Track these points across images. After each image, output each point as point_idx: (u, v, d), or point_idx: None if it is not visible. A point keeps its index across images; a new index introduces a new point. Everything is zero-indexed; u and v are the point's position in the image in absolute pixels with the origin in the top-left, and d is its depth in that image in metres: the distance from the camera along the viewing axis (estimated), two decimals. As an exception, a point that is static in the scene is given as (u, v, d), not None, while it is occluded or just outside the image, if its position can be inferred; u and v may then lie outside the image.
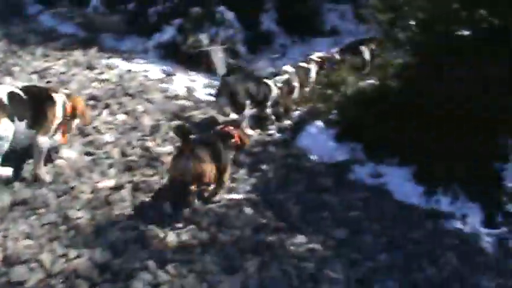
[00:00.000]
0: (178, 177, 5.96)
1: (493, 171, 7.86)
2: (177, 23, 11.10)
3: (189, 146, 5.87)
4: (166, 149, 7.41)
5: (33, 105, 5.88)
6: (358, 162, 8.13)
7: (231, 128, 6.86)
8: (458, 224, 7.37)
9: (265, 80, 8.98)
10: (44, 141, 6.07)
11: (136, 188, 6.48)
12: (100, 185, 6.39)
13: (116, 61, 9.81)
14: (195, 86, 9.63)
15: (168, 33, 11.06)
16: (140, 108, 8.26)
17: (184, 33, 10.79)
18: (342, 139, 8.55)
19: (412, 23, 8.25)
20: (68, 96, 6.58)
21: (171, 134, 7.74)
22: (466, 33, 7.58)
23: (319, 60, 10.44)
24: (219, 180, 6.37)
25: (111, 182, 6.48)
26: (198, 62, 10.55)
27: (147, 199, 6.28)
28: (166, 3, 11.64)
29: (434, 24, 7.99)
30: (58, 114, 6.19)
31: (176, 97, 9.00)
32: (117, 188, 6.41)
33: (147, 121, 7.93)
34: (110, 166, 6.76)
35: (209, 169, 5.98)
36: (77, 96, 7.03)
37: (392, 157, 8.16)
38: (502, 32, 7.35)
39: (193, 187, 6.01)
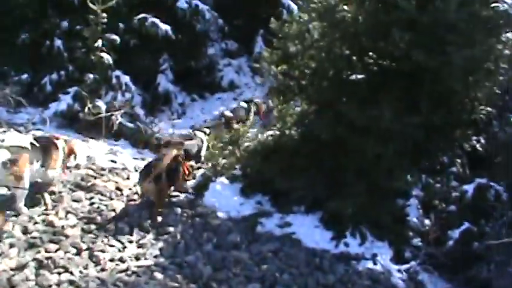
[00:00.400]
0: None
1: (396, 208, 8.07)
2: (73, 91, 10.95)
3: None
4: (70, 222, 7.20)
5: (43, 149, 7.47)
6: (266, 214, 8.18)
7: None
8: (369, 264, 7.54)
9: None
10: (51, 174, 7.63)
11: (40, 265, 6.24)
12: (0, 266, 6.11)
13: (13, 135, 9.53)
14: (95, 154, 9.48)
15: (64, 102, 10.91)
16: (40, 180, 8.03)
17: (81, 101, 10.65)
18: (247, 193, 8.59)
19: (306, 71, 8.48)
20: (66, 141, 8.07)
21: (74, 205, 7.59)
22: (360, 77, 7.84)
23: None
24: None
25: (12, 262, 6.22)
26: (97, 128, 10.42)
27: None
28: (61, 71, 11.51)
29: (326, 72, 8.24)
30: (60, 155, 7.78)
31: (77, 166, 8.80)
32: (20, 267, 6.14)
33: (48, 194, 7.70)
34: (11, 246, 6.49)
35: None
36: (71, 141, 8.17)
37: (299, 205, 8.26)
38: (392, 73, 7.67)
39: None
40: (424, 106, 7.55)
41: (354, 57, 7.93)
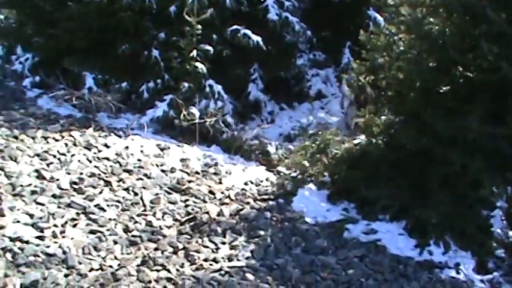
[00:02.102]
0: None
1: (481, 219, 8.14)
2: (169, 98, 11.47)
3: None
4: (167, 222, 7.71)
5: None
6: (352, 221, 8.42)
7: None
8: (452, 273, 7.65)
9: None
10: None
11: (141, 262, 6.74)
12: (107, 262, 6.65)
13: (113, 139, 10.06)
14: (189, 158, 9.96)
15: (160, 109, 11.40)
16: (139, 183, 8.57)
17: (177, 108, 11.14)
18: (334, 200, 8.88)
19: (393, 82, 8.66)
20: None
21: (171, 207, 8.09)
22: (446, 88, 7.98)
23: None
24: None
25: (117, 258, 6.76)
26: (190, 134, 10.89)
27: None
28: (158, 80, 12.05)
29: (414, 83, 8.40)
30: None
31: (172, 170, 9.30)
32: (123, 263, 6.67)
33: (146, 196, 8.22)
34: (115, 242, 7.03)
35: None
36: None
37: (384, 213, 8.46)
38: (479, 84, 7.76)
39: None
40: (510, 119, 7.62)
41: (441, 69, 8.08)
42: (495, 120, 7.55)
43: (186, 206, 8.23)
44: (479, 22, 7.48)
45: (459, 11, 7.80)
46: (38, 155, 8.72)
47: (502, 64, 7.19)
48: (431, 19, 8.02)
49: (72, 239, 6.84)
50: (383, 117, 9.13)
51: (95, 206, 7.66)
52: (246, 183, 9.57)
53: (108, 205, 7.78)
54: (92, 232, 7.11)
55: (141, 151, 9.84)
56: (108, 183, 8.37)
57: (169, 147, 10.17)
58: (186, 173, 9.39)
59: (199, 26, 11.25)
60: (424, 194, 8.11)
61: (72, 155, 8.99)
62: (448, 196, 7.97)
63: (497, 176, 8.01)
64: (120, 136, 10.34)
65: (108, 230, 7.25)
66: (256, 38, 12.36)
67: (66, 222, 7.17)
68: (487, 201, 8.15)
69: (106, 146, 9.69)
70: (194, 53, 11.32)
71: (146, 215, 7.81)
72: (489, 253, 8.00)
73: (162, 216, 7.86)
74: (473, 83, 7.89)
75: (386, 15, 9.34)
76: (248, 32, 12.41)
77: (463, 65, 7.93)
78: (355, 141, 9.67)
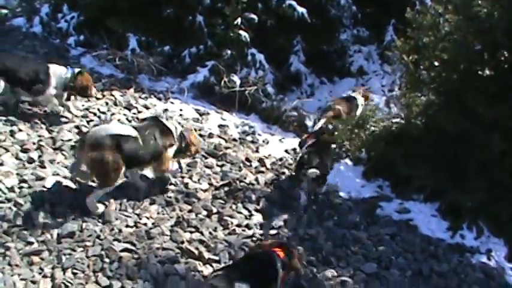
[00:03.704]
0: None
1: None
2: (210, 64, 11.50)
3: None
4: (202, 186, 7.79)
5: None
6: (386, 198, 8.42)
7: None
8: (483, 259, 7.62)
9: None
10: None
11: (175, 223, 6.85)
12: (142, 220, 6.77)
13: (153, 101, 10.19)
14: (228, 125, 10.02)
15: (201, 74, 11.47)
16: (176, 146, 8.65)
17: (218, 74, 11.18)
18: (369, 177, 8.87)
19: (436, 63, 8.56)
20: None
21: (207, 171, 8.16)
22: (490, 72, 7.87)
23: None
24: None
25: (151, 217, 6.89)
26: (230, 102, 10.95)
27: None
28: (200, 45, 12.08)
29: (458, 65, 8.29)
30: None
31: (210, 135, 9.37)
32: (158, 222, 6.78)
33: (183, 159, 8.30)
34: (151, 202, 7.14)
35: None
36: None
37: (418, 193, 8.43)
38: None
39: None
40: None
41: (486, 53, 7.97)
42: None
43: (222, 171, 8.29)
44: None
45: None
46: (79, 111, 8.85)
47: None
48: (479, 1, 7.88)
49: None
50: (423, 98, 9.03)
51: (133, 165, 7.77)
52: (282, 154, 9.61)
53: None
54: (129, 190, 7.21)
55: (180, 115, 9.94)
56: (146, 145, 8.47)
57: (208, 113, 10.25)
58: (224, 139, 9.46)
59: (245, -6, 11.25)
60: (460, 177, 8.04)
61: (112, 114, 9.12)
62: (484, 181, 7.89)
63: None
64: (160, 99, 10.45)
65: (144, 191, 7.36)
66: (301, 10, 12.32)
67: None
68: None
69: (146, 107, 9.80)
70: (238, 20, 11.35)
71: (183, 177, 7.89)
72: (522, 242, 7.94)
73: (198, 180, 7.94)
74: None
75: (434, -6, 9.21)
76: (294, 3, 12.37)
77: (509, 49, 7.81)
78: (394, 120, 9.59)
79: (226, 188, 7.83)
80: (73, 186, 6.96)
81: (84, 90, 8.43)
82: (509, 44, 7.68)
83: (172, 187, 7.59)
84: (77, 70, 8.31)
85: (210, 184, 7.90)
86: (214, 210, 7.25)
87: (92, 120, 8.75)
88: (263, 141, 9.85)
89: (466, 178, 7.99)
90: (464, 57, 8.13)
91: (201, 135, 9.22)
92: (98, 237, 6.31)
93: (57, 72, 8.16)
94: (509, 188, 7.92)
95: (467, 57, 8.08)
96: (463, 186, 7.95)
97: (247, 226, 7.07)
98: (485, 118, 7.66)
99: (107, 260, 5.99)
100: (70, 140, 7.97)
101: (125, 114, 9.25)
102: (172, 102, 10.41)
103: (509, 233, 7.95)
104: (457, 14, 8.24)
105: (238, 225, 7.05)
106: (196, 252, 6.30)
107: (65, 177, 7.08)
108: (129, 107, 9.55)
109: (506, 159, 7.77)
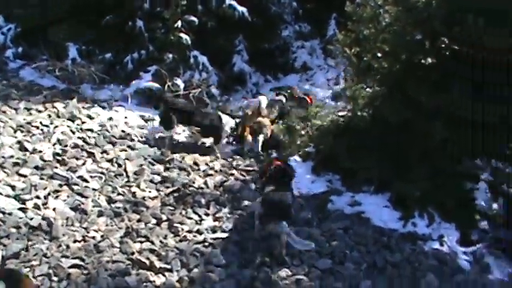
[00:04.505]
0: None
1: (463, 192, 8.15)
2: (153, 70, 11.36)
3: None
4: (151, 194, 7.67)
5: None
6: (336, 192, 8.44)
7: None
8: (436, 245, 7.70)
9: None
10: None
11: (124, 233, 6.72)
12: (90, 233, 6.63)
13: (97, 110, 10.02)
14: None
15: (145, 80, 11.31)
16: (123, 155, 8.51)
17: (161, 79, 11.06)
18: (318, 172, 8.87)
19: (379, 54, 8.60)
20: None
21: (154, 178, 8.05)
22: (431, 61, 7.94)
23: None
24: None
25: (100, 230, 6.74)
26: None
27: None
28: (142, 51, 11.92)
29: (399, 55, 8.35)
30: None
31: (156, 141, 9.25)
32: (107, 235, 6.63)
33: (130, 167, 8.17)
34: (98, 214, 6.99)
35: None
36: None
37: (368, 185, 8.46)
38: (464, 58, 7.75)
39: None
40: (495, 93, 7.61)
41: (427, 42, 8.04)
42: (479, 95, 7.56)
43: (170, 177, 8.17)
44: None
45: (445, -17, 7.75)
46: (20, 127, 8.65)
47: (486, 38, 7.17)
48: (418, -8, 7.96)
49: (54, 210, 6.80)
50: (369, 89, 9.07)
51: (78, 177, 7.63)
52: (230, 155, 9.55)
53: (91, 176, 7.75)
54: (75, 203, 7.06)
55: (125, 122, 9.81)
56: (91, 155, 8.32)
57: (153, 119, 10.10)
58: (171, 144, 9.32)
59: (184, -4, 11.15)
60: (405, 167, 8.10)
61: (56, 127, 8.93)
62: (427, 170, 7.96)
63: (481, 149, 8.04)
64: (104, 107, 10.30)
65: (92, 201, 7.23)
66: (241, 9, 12.28)
67: (49, 194, 7.16)
68: (470, 174, 8.15)
69: (90, 117, 9.63)
70: (178, 23, 11.24)
71: (130, 186, 7.78)
72: (472, 225, 8.01)
73: (146, 188, 7.82)
74: (458, 55, 7.87)
75: (374, -14, 9.25)
76: (233, 2, 12.33)
77: (449, 37, 7.89)
78: (341, 113, 9.61)
79: (175, 194, 7.74)
80: (17, 204, 6.77)
81: None
82: (448, 32, 7.77)
83: (120, 197, 7.46)
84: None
85: (159, 191, 7.79)
86: (164, 217, 7.16)
87: (34, 135, 8.54)
88: (210, 144, 9.71)
89: (409, 167, 8.06)
90: (405, 48, 8.21)
91: (147, 142, 9.10)
92: (45, 255, 6.16)
93: None
94: (452, 174, 8.02)
95: (408, 47, 8.16)
96: (407, 176, 8.01)
97: (198, 231, 6.99)
98: (427, 107, 7.73)
99: (55, 278, 5.87)
100: (12, 156, 7.77)
101: (68, 126, 9.07)
102: (116, 111, 10.24)
103: (458, 218, 8.03)
104: (396, 5, 8.31)
105: (189, 231, 6.97)
106: (147, 262, 6.21)
107: (8, 196, 6.89)
108: (72, 118, 9.37)
109: (447, 147, 7.86)
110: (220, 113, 9.88)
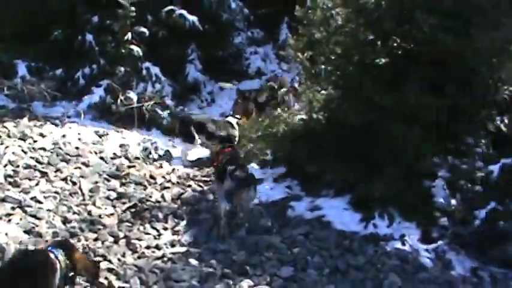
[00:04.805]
0: None
1: (423, 189, 8.18)
2: (105, 84, 11.22)
3: None
4: (107, 211, 7.52)
5: None
6: (296, 198, 8.40)
7: None
8: (397, 245, 7.69)
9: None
10: None
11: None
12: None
13: (49, 128, 9.82)
14: (129, 143, 9.76)
15: (97, 95, 11.17)
16: (77, 172, 8.34)
17: (113, 93, 10.92)
18: (277, 178, 8.82)
19: (332, 57, 8.60)
20: None
21: (110, 194, 7.90)
22: (384, 60, 7.97)
23: None
24: None
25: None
26: (129, 119, 10.70)
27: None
28: (93, 65, 11.76)
29: (351, 57, 8.36)
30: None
31: (111, 157, 9.10)
32: (62, 256, 6.46)
33: (85, 185, 8.01)
34: (54, 235, 6.81)
35: None
36: None
37: (328, 189, 8.44)
38: (416, 56, 7.81)
39: None
40: (449, 89, 7.68)
41: (378, 42, 8.07)
42: (433, 92, 7.61)
43: (126, 193, 8.04)
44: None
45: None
46: (-31, 149, 8.43)
47: (439, 35, 7.22)
48: (367, -9, 7.98)
49: (7, 235, 6.57)
50: (324, 92, 9.07)
51: (31, 198, 7.40)
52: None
53: (45, 197, 7.55)
54: (29, 226, 6.85)
55: (79, 139, 9.61)
56: (44, 174, 8.12)
57: (107, 134, 9.96)
58: (126, 158, 9.20)
59: (133, 8, 11.03)
60: (367, 168, 8.11)
61: (6, 147, 8.69)
62: (390, 169, 7.98)
63: (437, 147, 8.10)
64: (56, 125, 10.09)
65: (46, 222, 7.02)
66: (192, 18, 12.24)
67: (0, 218, 6.92)
68: (428, 172, 8.19)
69: (42, 135, 9.42)
70: (129, 35, 11.11)
71: (86, 204, 7.62)
72: (432, 222, 8.05)
73: (102, 205, 7.67)
74: (410, 54, 7.92)
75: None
76: (184, 12, 12.26)
77: (400, 36, 7.94)
78: (298, 117, 9.58)
79: (132, 210, 7.61)
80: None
81: None
82: (399, 32, 7.81)
83: (75, 216, 7.29)
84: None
85: (115, 207, 7.65)
86: (121, 234, 7.01)
87: (-18, 158, 8.32)
88: (166, 156, 9.62)
89: (373, 168, 8.07)
90: (357, 49, 8.23)
91: (102, 158, 8.95)
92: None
93: None
94: (413, 173, 8.06)
95: (360, 48, 8.18)
96: (370, 176, 8.02)
97: (157, 247, 6.87)
98: (383, 107, 7.75)
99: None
100: (-38, 181, 7.55)
101: (20, 146, 8.84)
102: (69, 127, 10.05)
103: (418, 216, 8.06)
104: (346, 7, 8.32)
105: (148, 247, 6.84)
106: (105, 282, 6.04)
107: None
108: (24, 138, 9.15)
109: (407, 145, 7.89)
110: (228, 119, 9.98)
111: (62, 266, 5.18)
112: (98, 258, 6.44)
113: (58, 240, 5.72)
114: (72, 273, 5.42)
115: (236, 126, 9.91)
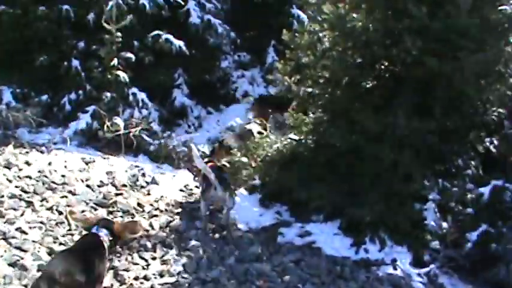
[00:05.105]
0: None
1: (414, 213, 8.15)
2: (91, 109, 11.14)
3: None
4: (94, 241, 7.38)
5: None
6: (285, 224, 8.34)
7: None
8: (389, 269, 7.69)
9: None
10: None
11: (68, 286, 6.42)
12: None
13: (35, 155, 9.67)
14: (116, 170, 9.64)
15: (84, 121, 11.08)
16: (64, 201, 8.21)
17: (100, 119, 10.84)
18: (266, 204, 8.77)
19: (320, 80, 8.58)
20: None
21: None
22: (372, 84, 7.98)
23: None
24: None
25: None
26: (116, 145, 10.61)
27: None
28: (79, 91, 11.70)
29: (340, 80, 8.34)
30: None
31: (98, 184, 8.98)
32: (49, 289, 6.31)
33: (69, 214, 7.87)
34: (39, 268, 6.66)
35: None
36: None
37: (318, 214, 8.38)
38: (404, 79, 7.84)
39: None
40: (437, 111, 7.68)
41: (366, 65, 8.06)
42: (422, 115, 7.60)
43: (114, 221, 7.88)
44: (402, 17, 7.47)
45: (381, 6, 7.80)
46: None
47: (425, 58, 7.22)
48: (354, 15, 7.97)
49: (-8, 268, 6.45)
50: (312, 115, 9.04)
51: (16, 229, 7.23)
52: (175, 193, 9.31)
53: (30, 227, 7.37)
54: (13, 259, 6.68)
55: (65, 166, 9.46)
56: (30, 204, 7.95)
57: (94, 161, 9.82)
58: (114, 186, 9.07)
59: (119, 34, 10.99)
60: (356, 192, 8.07)
61: (-10, 177, 8.56)
62: (380, 193, 7.95)
63: (427, 170, 8.08)
64: (42, 152, 9.95)
65: (31, 255, 6.85)
66: (178, 43, 12.24)
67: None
68: (419, 195, 8.16)
69: (27, 163, 9.27)
70: (115, 61, 11.04)
71: (72, 234, 7.43)
72: (424, 246, 8.05)
73: (89, 235, 7.51)
74: (398, 77, 7.92)
75: (310, 12, 9.28)
76: (170, 37, 12.27)
77: (388, 60, 7.94)
78: (286, 142, 9.52)
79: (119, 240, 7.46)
80: None
81: None
82: (386, 55, 7.81)
83: (61, 247, 7.11)
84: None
85: (102, 237, 7.51)
86: (109, 265, 6.87)
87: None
88: (154, 183, 9.50)
89: (362, 192, 8.03)
90: (345, 72, 8.21)
91: (88, 186, 8.82)
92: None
93: None
94: (403, 196, 8.03)
95: (348, 72, 8.16)
96: (360, 200, 7.98)
97: (145, 277, 6.70)
98: (372, 130, 7.73)
99: None
100: None
101: (4, 174, 8.69)
102: (55, 154, 9.91)
103: (410, 240, 8.03)
104: (333, 31, 8.30)
105: (136, 278, 6.67)
106: (93, 315, 5.91)
107: None
108: (8, 166, 8.99)
109: (397, 169, 7.85)
110: (249, 126, 10.26)
111: (108, 244, 5.66)
112: None
113: (100, 220, 5.93)
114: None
115: (257, 135, 10.03)
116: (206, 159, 8.65)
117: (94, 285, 5.31)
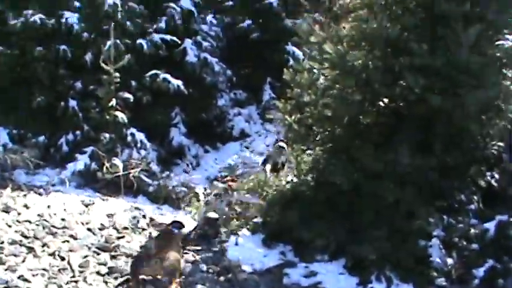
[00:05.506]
0: None
1: (418, 250, 8.10)
2: (89, 150, 11.11)
3: None
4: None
5: None
6: (290, 264, 8.22)
7: None
8: (396, 308, 7.56)
9: None
10: None
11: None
12: None
13: (33, 198, 9.62)
14: (116, 212, 9.56)
15: (82, 162, 11.06)
16: (65, 246, 8.12)
17: (98, 160, 10.81)
18: (269, 244, 8.67)
19: (321, 119, 8.58)
20: None
21: (101, 269, 7.67)
22: (373, 121, 7.99)
23: None
24: None
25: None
26: (115, 187, 10.56)
27: None
28: (77, 132, 11.69)
29: (341, 118, 8.35)
30: None
31: (99, 228, 8.90)
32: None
33: (74, 260, 7.78)
34: (44, 318, 6.59)
35: None
36: None
37: (322, 253, 8.30)
38: (405, 116, 7.83)
39: None
40: (437, 148, 7.69)
41: (367, 103, 8.08)
42: (423, 152, 7.60)
43: (117, 266, 7.78)
44: (402, 55, 7.50)
45: (381, 44, 7.83)
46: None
47: (427, 95, 7.25)
48: (354, 53, 8.00)
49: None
50: (311, 153, 9.03)
51: (19, 277, 7.13)
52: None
53: (33, 275, 7.27)
54: (17, 308, 6.62)
55: (65, 209, 9.39)
56: (31, 250, 7.86)
57: (93, 203, 9.75)
58: (115, 229, 8.98)
59: (117, 74, 11.00)
60: (359, 230, 8.02)
61: (-13, 222, 8.48)
62: (382, 230, 7.90)
63: (430, 206, 8.05)
64: (40, 194, 9.93)
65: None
66: (176, 82, 12.34)
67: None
68: (423, 232, 8.11)
69: (26, 206, 9.21)
70: (113, 101, 11.05)
71: (76, 281, 7.34)
72: (430, 283, 7.94)
73: (93, 281, 7.40)
74: (400, 114, 7.93)
75: (306, 50, 9.31)
76: (168, 76, 12.36)
77: (389, 97, 7.95)
78: (287, 180, 9.51)
79: (124, 286, 7.35)
80: None
81: None
82: (387, 93, 7.83)
83: (66, 294, 7.07)
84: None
85: (107, 283, 7.40)
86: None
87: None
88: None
89: (364, 230, 7.98)
90: (345, 110, 8.21)
91: (89, 230, 8.74)
92: None
93: None
94: (406, 233, 7.98)
95: (348, 110, 8.15)
96: (363, 238, 7.92)
97: (151, 325, 6.65)
98: (373, 168, 7.72)
99: None
100: None
101: (3, 219, 8.62)
102: (54, 196, 9.87)
103: (415, 277, 7.96)
104: (333, 69, 8.32)
105: (141, 325, 6.62)
106: None
107: None
108: (7, 210, 8.93)
109: (400, 206, 7.83)
110: (280, 144, 10.50)
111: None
112: None
113: (175, 222, 7.75)
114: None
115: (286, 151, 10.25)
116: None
117: None
